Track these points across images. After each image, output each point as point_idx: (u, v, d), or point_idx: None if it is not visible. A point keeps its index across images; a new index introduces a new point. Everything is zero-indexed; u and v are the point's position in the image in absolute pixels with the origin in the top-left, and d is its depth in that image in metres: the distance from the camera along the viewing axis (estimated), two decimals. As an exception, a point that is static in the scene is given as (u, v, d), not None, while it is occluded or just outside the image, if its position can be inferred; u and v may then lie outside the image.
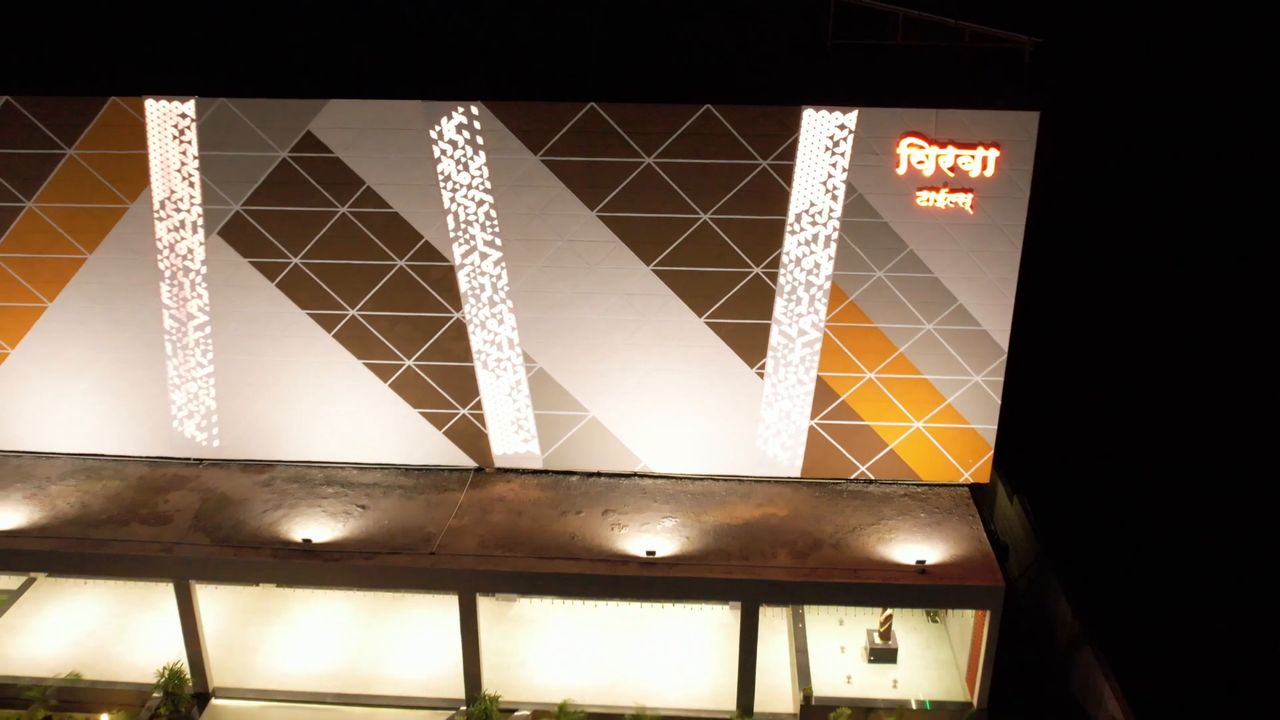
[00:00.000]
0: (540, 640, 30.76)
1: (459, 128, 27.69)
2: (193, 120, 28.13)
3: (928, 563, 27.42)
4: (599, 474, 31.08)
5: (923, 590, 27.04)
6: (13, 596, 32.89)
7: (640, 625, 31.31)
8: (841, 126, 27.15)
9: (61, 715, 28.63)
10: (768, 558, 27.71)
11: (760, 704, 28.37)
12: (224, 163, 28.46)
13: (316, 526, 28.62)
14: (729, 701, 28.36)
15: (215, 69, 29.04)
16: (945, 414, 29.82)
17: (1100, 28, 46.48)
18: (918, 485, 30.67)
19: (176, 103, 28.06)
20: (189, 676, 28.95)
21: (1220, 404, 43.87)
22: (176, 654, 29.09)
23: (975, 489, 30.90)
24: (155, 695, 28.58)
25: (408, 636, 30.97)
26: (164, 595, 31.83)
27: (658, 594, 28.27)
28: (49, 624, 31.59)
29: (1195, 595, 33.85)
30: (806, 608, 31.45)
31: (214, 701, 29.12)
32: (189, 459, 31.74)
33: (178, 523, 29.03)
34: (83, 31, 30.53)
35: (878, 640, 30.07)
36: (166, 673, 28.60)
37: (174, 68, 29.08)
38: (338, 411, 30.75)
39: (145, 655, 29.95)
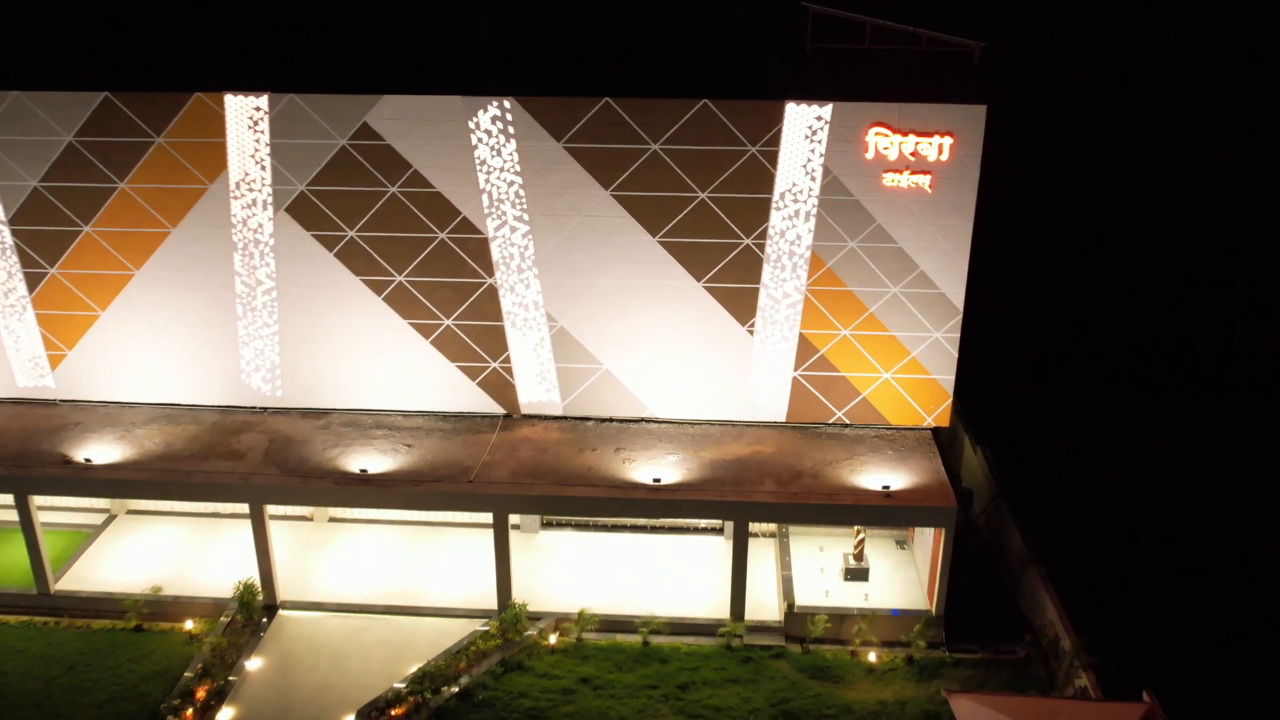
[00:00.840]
0: (560, 566, 35.54)
1: (493, 119, 32.49)
2: (265, 113, 32.91)
3: (892, 489, 32.24)
4: (611, 419, 35.87)
5: (887, 511, 31.88)
6: (96, 531, 37.67)
7: (647, 554, 36.14)
8: (819, 118, 31.97)
9: (150, 624, 33.42)
10: (756, 485, 32.51)
11: (750, 615, 33.10)
12: (291, 149, 33.24)
13: (370, 460, 33.41)
14: (724, 612, 33.12)
15: (285, 68, 33.81)
16: (910, 366, 34.61)
17: (1038, 33, 53.15)
18: (886, 428, 35.47)
19: (252, 98, 32.83)
20: (260, 590, 33.69)
21: (1154, 357, 49.62)
22: (247, 574, 33.85)
23: (937, 431, 35.69)
24: (232, 605, 33.33)
25: (446, 563, 35.76)
26: (230, 529, 36.83)
27: (662, 513, 32.96)
28: (131, 552, 36.38)
29: (1124, 522, 38.82)
30: (790, 536, 36.23)
31: (281, 613, 33.87)
32: (255, 407, 36.51)
33: (250, 458, 33.82)
34: (170, 34, 35.34)
35: (852, 562, 34.86)
36: (241, 587, 33.37)
37: (249, 68, 33.87)
38: (385, 365, 35.53)
39: (219, 577, 34.69)
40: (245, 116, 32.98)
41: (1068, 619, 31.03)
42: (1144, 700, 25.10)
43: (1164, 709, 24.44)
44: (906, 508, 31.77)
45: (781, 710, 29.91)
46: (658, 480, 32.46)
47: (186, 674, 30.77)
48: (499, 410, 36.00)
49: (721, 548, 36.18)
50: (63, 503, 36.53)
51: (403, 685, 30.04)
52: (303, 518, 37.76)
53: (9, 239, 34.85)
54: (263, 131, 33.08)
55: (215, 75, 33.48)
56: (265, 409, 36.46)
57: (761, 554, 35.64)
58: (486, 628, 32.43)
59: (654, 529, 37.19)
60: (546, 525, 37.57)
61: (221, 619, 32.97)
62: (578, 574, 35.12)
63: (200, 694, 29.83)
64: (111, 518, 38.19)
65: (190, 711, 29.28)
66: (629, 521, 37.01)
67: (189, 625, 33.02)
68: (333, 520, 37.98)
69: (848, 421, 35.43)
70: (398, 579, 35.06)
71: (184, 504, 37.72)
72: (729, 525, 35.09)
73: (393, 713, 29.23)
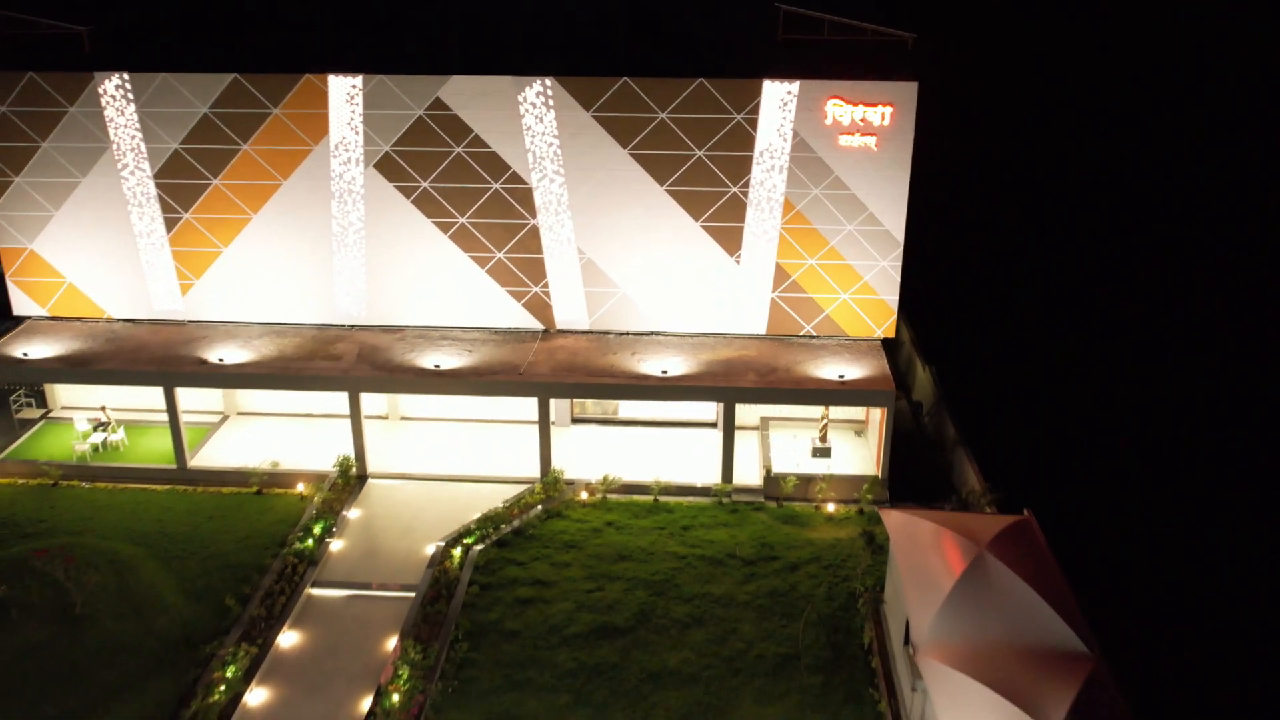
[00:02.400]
0: (587, 451, 44.75)
1: (537, 94, 41.97)
2: (359, 89, 42.38)
3: (846, 378, 41.72)
4: (628, 332, 45.27)
5: (842, 393, 41.29)
6: (214, 427, 47.06)
7: (656, 442, 45.49)
8: (788, 93, 41.42)
9: (268, 489, 42.81)
10: (741, 376, 41.94)
11: (737, 481, 42.44)
12: (379, 118, 42.69)
13: (440, 359, 42.87)
14: (717, 480, 42.52)
15: (376, 55, 43.30)
16: (863, 289, 44.02)
17: (958, 26, 72.80)
18: (845, 338, 44.88)
19: (349, 78, 42.31)
20: (353, 464, 43.09)
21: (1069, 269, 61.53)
22: (342, 453, 43.23)
23: (886, 341, 45.08)
24: (333, 474, 42.73)
25: (497, 448, 45.10)
26: (321, 426, 46.11)
27: (669, 396, 42.12)
28: (244, 441, 45.74)
29: (1038, 415, 48.35)
30: (770, 429, 45.63)
31: (369, 481, 43.28)
32: (345, 324, 45.93)
33: (345, 360, 43.27)
34: (286, 26, 44.87)
35: (818, 443, 44.22)
36: (340, 460, 42.81)
37: (348, 54, 43.35)
38: (449, 289, 44.91)
39: (319, 457, 44.07)
40: (343, 92, 42.45)
41: (982, 478, 40.42)
42: (1023, 514, 34.43)
43: (1040, 523, 33.67)
44: (857, 391, 41.22)
45: (760, 542, 39.26)
46: (665, 371, 41.92)
47: (304, 517, 40.18)
48: (539, 326, 45.44)
49: (715, 438, 45.50)
50: (187, 405, 45.64)
51: (471, 523, 39.45)
52: (380, 416, 47.08)
53: (153, 190, 44.29)
54: (357, 104, 42.55)
55: (321, 59, 42.91)
56: (353, 325, 45.88)
57: (746, 442, 45.02)
58: (532, 488, 41.82)
59: (662, 424, 46.55)
60: (575, 421, 46.95)
61: (325, 483, 42.36)
62: (601, 455, 44.42)
63: (316, 530, 39.20)
64: (225, 418, 47.59)
65: (310, 540, 38.62)
66: (642, 418, 46.45)
67: (300, 488, 42.43)
68: (404, 419, 47.37)
69: (814, 333, 44.85)
70: (459, 459, 44.43)
71: (285, 406, 47.10)
72: (721, 418, 44.26)
73: (465, 540, 38.58)
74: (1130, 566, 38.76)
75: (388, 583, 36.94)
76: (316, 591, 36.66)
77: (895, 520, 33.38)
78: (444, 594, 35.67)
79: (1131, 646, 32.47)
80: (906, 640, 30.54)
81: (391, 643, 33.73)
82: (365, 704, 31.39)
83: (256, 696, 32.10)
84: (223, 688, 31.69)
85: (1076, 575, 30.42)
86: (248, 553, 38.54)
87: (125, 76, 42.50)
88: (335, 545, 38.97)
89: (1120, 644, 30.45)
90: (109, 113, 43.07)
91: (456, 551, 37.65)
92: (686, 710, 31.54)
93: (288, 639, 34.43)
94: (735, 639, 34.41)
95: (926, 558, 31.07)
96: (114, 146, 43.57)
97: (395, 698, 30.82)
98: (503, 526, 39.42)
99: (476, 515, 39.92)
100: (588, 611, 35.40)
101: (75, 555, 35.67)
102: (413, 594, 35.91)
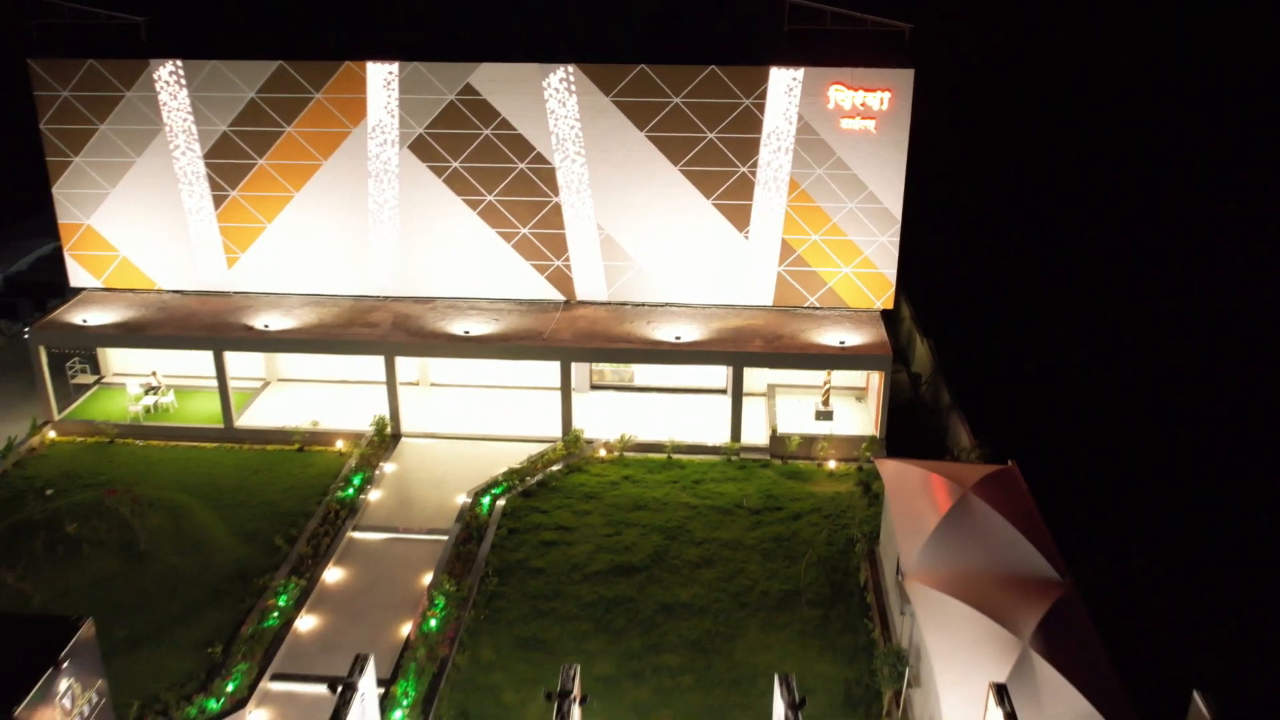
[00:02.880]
0: (605, 414, 47.90)
1: (561, 80, 45.18)
2: (395, 75, 45.65)
3: (846, 344, 44.85)
4: (644, 303, 48.43)
5: (842, 358, 44.41)
6: (256, 392, 50.41)
7: (669, 406, 48.68)
8: (794, 79, 44.55)
9: (309, 447, 46.10)
10: (748, 343, 45.08)
11: (744, 441, 45.63)
12: (414, 103, 45.95)
13: (469, 326, 46.13)
14: (726, 439, 45.68)
15: (411, 43, 46.55)
16: (863, 263, 47.12)
17: (953, 16, 78.94)
18: (846, 309, 47.99)
19: (386, 65, 45.58)
20: (388, 423, 46.37)
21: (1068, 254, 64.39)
22: (378, 413, 46.52)
23: (885, 314, 48.16)
24: (369, 432, 46.03)
25: (521, 411, 48.34)
26: (357, 391, 49.37)
27: (681, 360, 45.24)
28: (286, 404, 49.10)
29: (1029, 381, 51.40)
30: (777, 393, 48.74)
31: (404, 439, 46.56)
32: (380, 295, 49.24)
33: (381, 327, 46.54)
34: (328, 16, 48.20)
35: (820, 407, 47.35)
36: (377, 419, 46.11)
37: (385, 41, 46.64)
38: (477, 263, 48.16)
39: (355, 419, 47.37)
40: (381, 79, 45.74)
41: (972, 436, 43.49)
42: (1008, 464, 37.49)
43: (1023, 474, 36.70)
44: (857, 355, 44.34)
45: (766, 494, 42.41)
46: (678, 338, 45.11)
47: (344, 469, 43.49)
48: (561, 297, 48.64)
49: (725, 404, 48.58)
50: (232, 371, 48.71)
51: (498, 476, 42.70)
52: (412, 383, 50.33)
53: (203, 169, 47.65)
54: (393, 89, 45.82)
55: (361, 47, 46.18)
56: (388, 296, 49.17)
57: (754, 407, 48.16)
58: (554, 446, 45.04)
59: (675, 391, 49.71)
60: (594, 388, 50.15)
61: (363, 440, 45.65)
62: (619, 419, 47.56)
63: (355, 481, 42.48)
64: (266, 384, 50.93)
65: (350, 490, 41.91)
66: (656, 384, 49.64)
67: (339, 445, 45.74)
68: (433, 385, 50.65)
69: (818, 305, 47.95)
70: (486, 421, 47.68)
71: (322, 373, 50.42)
72: (730, 382, 47.28)
73: (493, 491, 41.82)
74: (1104, 513, 41.79)
75: (422, 527, 40.18)
76: (357, 534, 39.93)
77: (889, 467, 36.50)
78: (474, 536, 38.91)
79: (1101, 579, 35.56)
80: (897, 573, 33.66)
81: (427, 579, 36.98)
82: (404, 630, 34.60)
83: (305, 623, 35.36)
84: (275, 614, 34.94)
85: (1053, 518, 33.49)
86: (292, 501, 41.84)
87: (178, 63, 45.85)
88: (373, 495, 42.26)
89: (1091, 576, 33.50)
90: (163, 97, 46.43)
91: (485, 500, 40.88)
92: (696, 637, 34.68)
93: (332, 574, 37.71)
94: (742, 577, 37.55)
95: (916, 498, 34.18)
96: (167, 129, 46.93)
97: (433, 623, 34.05)
98: (528, 479, 42.65)
99: (503, 470, 43.10)
100: (606, 552, 38.59)
101: (140, 496, 39.03)
102: (445, 537, 39.13)
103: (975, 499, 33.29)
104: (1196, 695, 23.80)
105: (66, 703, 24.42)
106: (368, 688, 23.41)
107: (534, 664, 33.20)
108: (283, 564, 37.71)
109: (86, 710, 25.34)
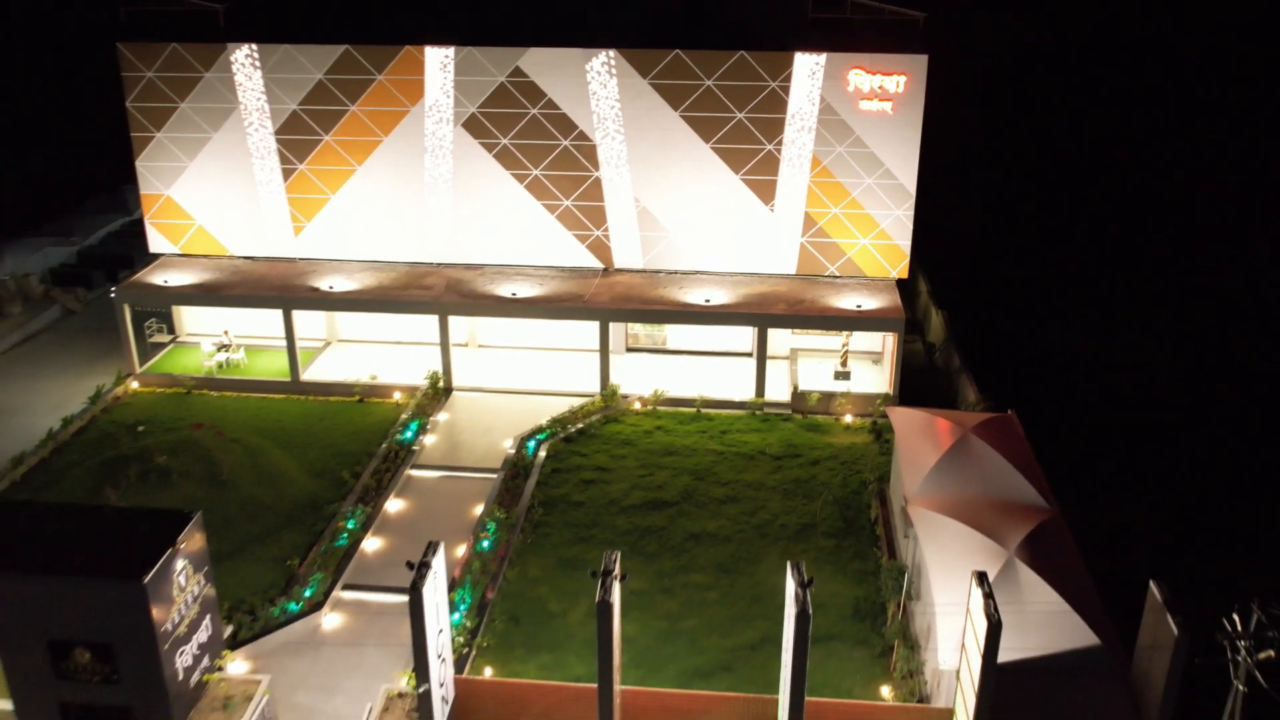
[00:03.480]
0: (640, 373, 51.89)
1: (602, 63, 49.23)
2: (451, 59, 49.85)
3: (863, 307, 48.66)
4: (676, 270, 52.45)
5: (859, 320, 48.21)
6: (318, 351, 54.79)
7: (699, 368, 52.64)
8: (817, 64, 48.36)
9: (369, 399, 50.39)
10: (772, 306, 48.97)
11: (768, 397, 49.53)
12: (467, 84, 50.14)
13: (516, 289, 50.30)
14: (751, 395, 49.58)
15: (466, 28, 50.73)
16: (880, 235, 50.87)
17: (964, 7, 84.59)
18: (864, 278, 51.79)
19: (442, 49, 49.78)
20: (441, 377, 50.59)
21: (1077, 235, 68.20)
22: (432, 369, 50.74)
23: (900, 281, 51.90)
24: (424, 385, 50.26)
25: (563, 369, 52.47)
26: (410, 352, 53.54)
27: (711, 321, 49.20)
28: (345, 362, 53.46)
29: (1035, 341, 54.98)
30: (799, 356, 52.58)
31: (454, 392, 50.79)
32: (433, 262, 53.50)
33: (436, 289, 50.78)
34: (389, 2, 52.61)
35: (839, 368, 51.16)
36: (430, 374, 50.35)
37: (442, 26, 50.86)
38: (523, 232, 52.32)
39: (410, 375, 51.60)
40: (438, 62, 49.95)
41: (977, 390, 47.18)
42: (1007, 413, 41.18)
43: (1024, 425, 40.32)
44: (872, 318, 48.15)
45: (786, 444, 46.27)
46: (708, 300, 49.10)
47: (402, 417, 47.79)
48: (600, 265, 52.70)
49: (750, 365, 52.44)
50: (298, 332, 53.03)
51: (543, 424, 46.83)
52: (462, 345, 54.53)
53: (274, 145, 52.04)
54: (448, 72, 50.02)
55: (419, 32, 50.40)
56: (440, 263, 53.43)
57: (777, 369, 52.02)
58: (593, 399, 49.11)
59: (704, 354, 53.64)
60: (630, 350, 54.18)
61: (419, 391, 49.90)
62: (652, 378, 51.54)
63: (412, 426, 46.72)
64: (328, 344, 55.31)
65: (407, 434, 46.15)
66: (686, 348, 53.61)
67: (396, 396, 50.03)
68: (481, 346, 54.86)
69: (837, 273, 51.75)
70: (531, 377, 51.82)
71: (378, 334, 54.71)
72: (755, 346, 51.01)
73: (537, 437, 45.94)
74: (1095, 461, 45.45)
75: (474, 466, 44.37)
76: (415, 472, 44.15)
77: (899, 413, 40.29)
78: (521, 474, 43.04)
79: (1090, 513, 39.21)
80: (903, 501, 37.50)
81: (479, 510, 41.13)
82: (459, 551, 38.72)
83: (371, 544, 39.59)
84: (344, 535, 39.21)
85: (1047, 463, 37.14)
86: (355, 444, 46.15)
87: (254, 47, 50.26)
88: (428, 440, 46.47)
89: (1079, 512, 37.14)
90: (238, 78, 50.88)
91: (531, 444, 45.03)
92: (721, 560, 38.64)
93: (393, 505, 41.94)
94: (763, 512, 41.45)
95: (922, 437, 37.97)
96: (241, 107, 51.39)
97: (486, 544, 38.20)
98: (569, 427, 46.72)
99: (546, 419, 47.22)
100: (640, 490, 42.61)
101: (223, 431, 43.47)
102: (495, 475, 43.28)
103: (974, 438, 37.00)
104: (1153, 584, 27.43)
105: (181, 580, 28.69)
106: (439, 566, 27.47)
107: (575, 580, 37.23)
108: (349, 495, 41.96)
109: (195, 591, 29.60)
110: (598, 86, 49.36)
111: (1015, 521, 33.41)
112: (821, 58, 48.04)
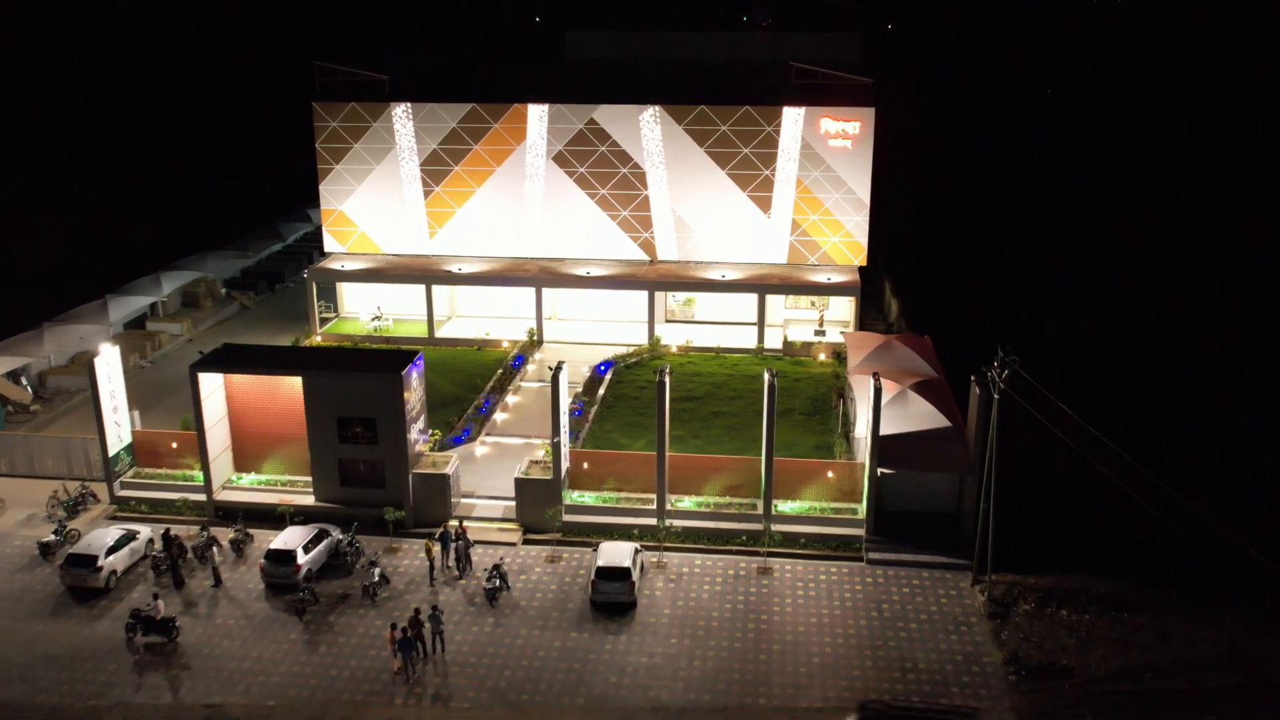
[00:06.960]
0: (674, 334, 72.91)
1: (651, 115, 71.19)
2: (545, 113, 72.02)
3: (832, 280, 69.78)
4: (701, 261, 73.82)
5: (830, 288, 69.29)
6: (443, 321, 76.09)
7: (717, 334, 73.61)
8: (799, 115, 70.12)
9: (484, 348, 71.47)
10: (768, 280, 70.18)
11: (766, 346, 70.34)
12: (557, 130, 72.25)
13: (588, 270, 71.75)
14: (754, 343, 70.43)
15: (557, 91, 73.10)
16: (845, 234, 72.07)
17: (904, 74, 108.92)
18: (835, 265, 72.98)
19: (539, 106, 72.06)
20: (536, 333, 71.74)
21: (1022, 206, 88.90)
22: (530, 326, 71.86)
23: (861, 268, 72.95)
24: (524, 339, 71.42)
25: (620, 330, 73.55)
26: (511, 324, 74.72)
27: (725, 289, 70.38)
28: (464, 328, 74.77)
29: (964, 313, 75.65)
30: (789, 324, 73.46)
31: (544, 343, 71.94)
32: (528, 256, 75.08)
33: (532, 271, 72.32)
34: (502, 74, 75.40)
35: (818, 328, 72.00)
36: (529, 331, 71.55)
37: (540, 90, 73.28)
38: (590, 235, 73.93)
39: (513, 334, 72.74)
40: (537, 115, 72.14)
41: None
42: (925, 338, 61.85)
43: (936, 347, 60.54)
44: (837, 285, 69.29)
45: (780, 373, 67.05)
46: (723, 276, 70.43)
47: (512, 352, 68.93)
48: (647, 257, 74.22)
49: (753, 331, 73.21)
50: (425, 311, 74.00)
51: (610, 357, 67.87)
52: (548, 317, 75.72)
53: (418, 172, 74.18)
54: (543, 121, 72.16)
55: (524, 94, 72.81)
56: (533, 257, 75.04)
57: (773, 334, 72.91)
58: (642, 346, 70.14)
59: (721, 323, 74.53)
60: (668, 321, 75.27)
61: (518, 344, 71.06)
62: (683, 337, 72.48)
63: (518, 360, 67.85)
64: (450, 317, 76.73)
65: (517, 363, 67.19)
66: (709, 319, 74.62)
67: (504, 344, 71.21)
68: (560, 319, 76.14)
69: (816, 262, 73.00)
70: (597, 338, 72.86)
71: (487, 310, 76.05)
72: (757, 312, 71.56)
73: (606, 362, 66.91)
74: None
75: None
76: (523, 384, 65.10)
77: (852, 333, 61.33)
78: (595, 386, 63.96)
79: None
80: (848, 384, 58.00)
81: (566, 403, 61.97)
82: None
83: (499, 417, 60.40)
84: (484, 409, 60.10)
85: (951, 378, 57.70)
86: (480, 370, 67.24)
87: (409, 105, 72.77)
88: (529, 368, 67.53)
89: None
90: (396, 126, 73.27)
91: (602, 366, 66.08)
92: (731, 424, 59.14)
93: (511, 399, 62.82)
94: (759, 405, 61.98)
95: (863, 343, 58.84)
96: (397, 146, 73.70)
97: (576, 413, 59.02)
98: (628, 359, 67.70)
99: (612, 354, 68.27)
100: (677, 392, 63.27)
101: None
102: (579, 387, 64.20)
103: (897, 343, 57.77)
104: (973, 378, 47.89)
105: (413, 382, 49.70)
106: (563, 381, 48.29)
107: (635, 431, 57.81)
108: (480, 393, 62.90)
109: (417, 404, 50.55)
110: (647, 130, 71.32)
111: (912, 376, 53.98)
112: (801, 110, 69.90)
